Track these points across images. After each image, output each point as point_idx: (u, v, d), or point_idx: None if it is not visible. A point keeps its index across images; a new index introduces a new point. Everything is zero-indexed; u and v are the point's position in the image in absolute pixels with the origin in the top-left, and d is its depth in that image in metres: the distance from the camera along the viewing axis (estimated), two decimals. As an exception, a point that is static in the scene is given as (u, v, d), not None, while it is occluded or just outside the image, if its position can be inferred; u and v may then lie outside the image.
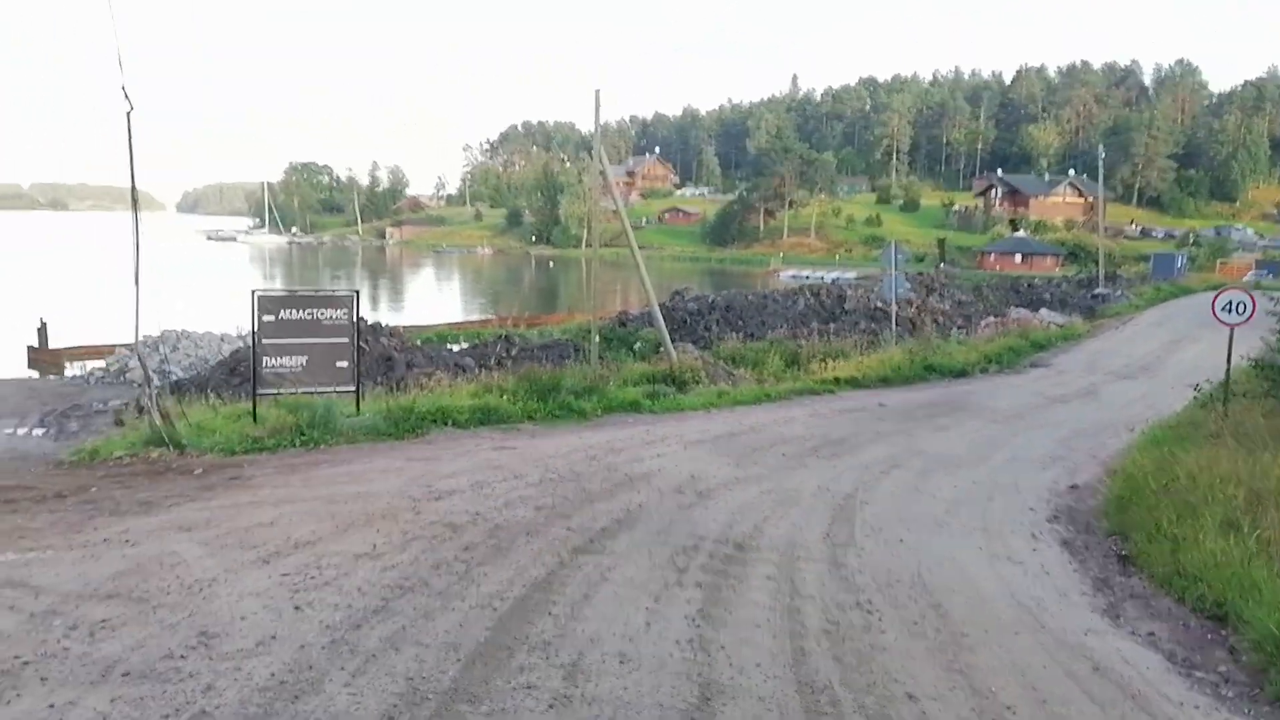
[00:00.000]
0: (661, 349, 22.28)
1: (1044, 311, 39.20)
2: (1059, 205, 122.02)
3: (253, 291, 14.22)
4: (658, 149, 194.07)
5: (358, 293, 15.67)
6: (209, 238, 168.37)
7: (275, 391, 14.05)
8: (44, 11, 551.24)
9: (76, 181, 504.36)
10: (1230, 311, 15.14)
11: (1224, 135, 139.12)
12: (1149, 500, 9.98)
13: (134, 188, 13.04)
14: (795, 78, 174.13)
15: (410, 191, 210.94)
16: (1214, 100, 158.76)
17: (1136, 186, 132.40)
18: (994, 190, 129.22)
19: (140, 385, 22.13)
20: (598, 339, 22.85)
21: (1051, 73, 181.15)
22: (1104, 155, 57.90)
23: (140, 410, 15.86)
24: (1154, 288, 53.33)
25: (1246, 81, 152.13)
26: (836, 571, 8.03)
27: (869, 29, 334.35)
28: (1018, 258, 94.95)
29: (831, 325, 32.13)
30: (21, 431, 18.35)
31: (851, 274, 79.02)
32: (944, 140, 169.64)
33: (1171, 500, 9.50)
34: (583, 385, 17.50)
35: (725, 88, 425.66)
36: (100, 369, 27.92)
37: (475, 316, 51.50)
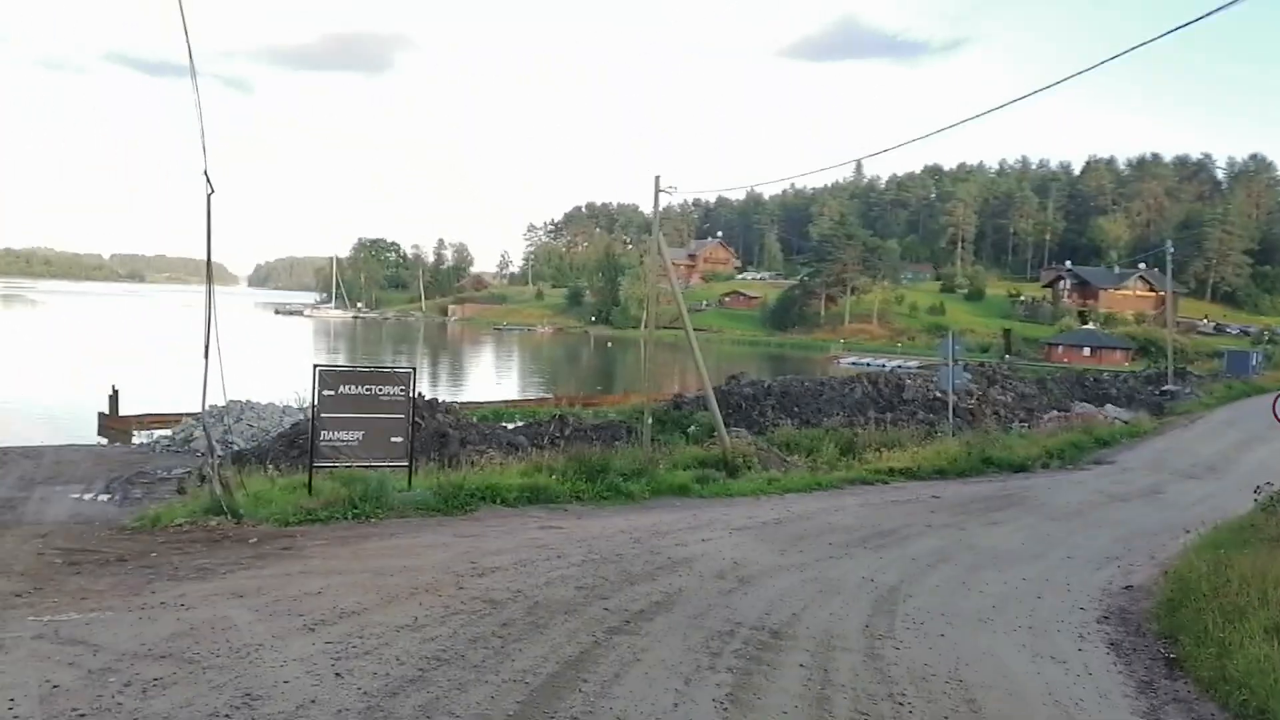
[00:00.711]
0: (715, 433, 22.39)
1: (1109, 407, 38.58)
2: (1129, 298, 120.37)
3: (314, 366, 14.73)
4: (720, 233, 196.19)
5: (415, 369, 16.11)
6: (276, 311, 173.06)
7: (331, 465, 14.44)
8: (122, 89, 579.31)
9: (154, 253, 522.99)
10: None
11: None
12: (1199, 603, 9.79)
13: (210, 267, 13.68)
14: (860, 164, 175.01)
15: (474, 269, 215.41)
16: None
17: (1210, 281, 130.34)
18: (1062, 281, 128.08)
19: (203, 455, 22.81)
20: (651, 421, 23.08)
21: (1121, 164, 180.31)
22: (1173, 250, 57.39)
23: (202, 479, 16.37)
24: (1225, 385, 51.95)
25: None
26: (872, 663, 8.02)
27: (934, 117, 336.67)
28: (1086, 350, 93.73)
29: (889, 414, 32.03)
30: (88, 497, 19.04)
31: (914, 362, 78.59)
32: (1010, 230, 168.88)
33: (1220, 604, 9.32)
34: (632, 467, 17.67)
35: (789, 173, 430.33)
36: (166, 437, 28.81)
37: (532, 395, 52.13)
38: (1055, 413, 35.45)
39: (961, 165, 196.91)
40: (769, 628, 8.73)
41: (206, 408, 15.13)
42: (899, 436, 25.85)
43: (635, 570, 10.52)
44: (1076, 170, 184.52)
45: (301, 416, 25.23)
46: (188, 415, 29.55)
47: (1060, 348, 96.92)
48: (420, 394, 20.86)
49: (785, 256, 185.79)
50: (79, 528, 14.17)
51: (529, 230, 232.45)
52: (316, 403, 14.51)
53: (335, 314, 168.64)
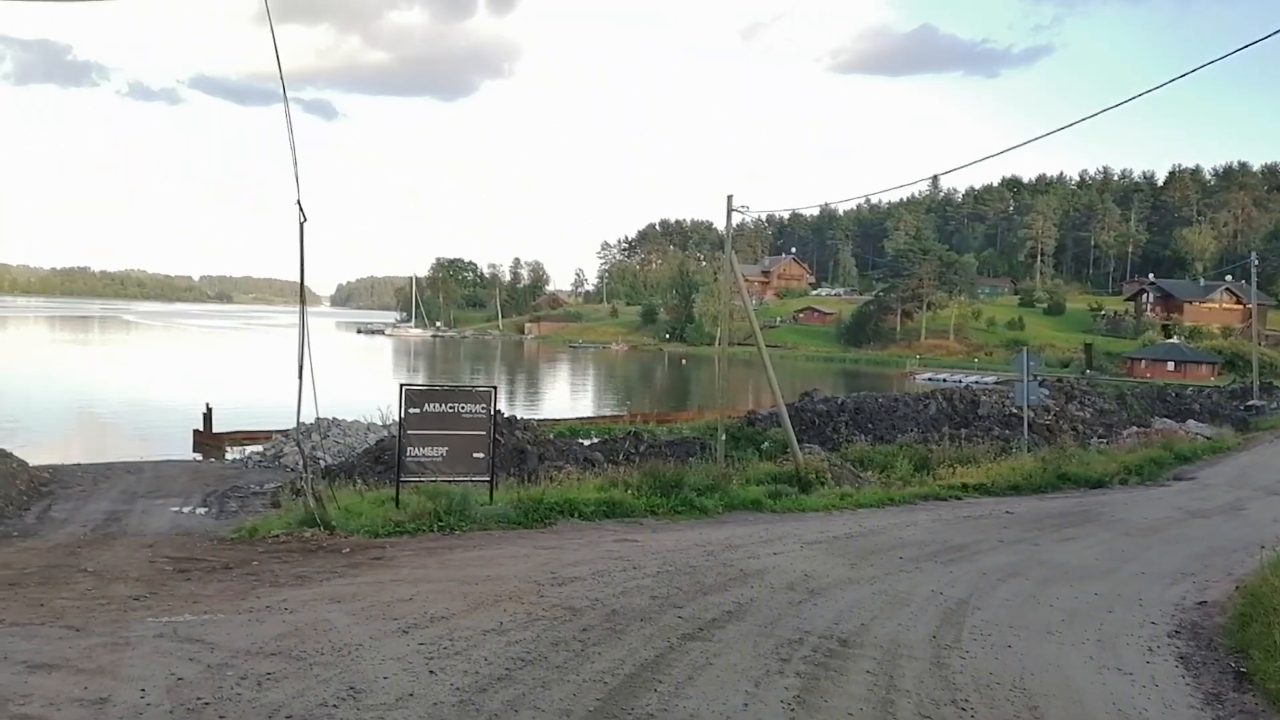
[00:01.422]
0: (788, 449, 22.66)
1: (1191, 423, 37.81)
2: (1216, 311, 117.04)
3: (400, 386, 15.44)
4: (794, 249, 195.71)
5: (495, 388, 16.72)
6: (358, 331, 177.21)
7: (417, 479, 15.11)
8: (209, 116, 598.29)
9: (241, 274, 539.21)
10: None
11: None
12: (1271, 617, 9.83)
13: (303, 292, 14.48)
14: (936, 178, 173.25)
15: (550, 287, 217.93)
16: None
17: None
18: (1145, 295, 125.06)
19: (294, 470, 23.75)
20: (724, 438, 23.42)
21: (1207, 174, 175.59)
22: (1256, 262, 56.04)
23: (296, 493, 17.19)
24: (1315, 400, 50.61)
25: None
26: (937, 671, 8.29)
27: (1013, 128, 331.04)
28: (1170, 365, 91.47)
29: (963, 431, 31.85)
30: (186, 510, 20.02)
31: (990, 378, 77.57)
32: (1091, 242, 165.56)
33: (1289, 618, 9.38)
34: (706, 483, 18.04)
35: (863, 190, 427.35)
36: (257, 453, 29.98)
37: (608, 412, 52.75)
38: (1135, 429, 34.89)
39: (1041, 177, 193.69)
40: (837, 636, 9.04)
41: (297, 425, 15.95)
42: (974, 453, 25.79)
43: (708, 581, 10.91)
44: (1160, 180, 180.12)
45: (386, 433, 26.12)
46: (277, 432, 30.75)
47: (1143, 362, 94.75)
48: (499, 411, 21.51)
49: (860, 272, 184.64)
50: (181, 538, 15.03)
51: (603, 248, 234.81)
52: (403, 419, 15.19)
53: (415, 333, 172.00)
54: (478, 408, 15.47)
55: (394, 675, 6.93)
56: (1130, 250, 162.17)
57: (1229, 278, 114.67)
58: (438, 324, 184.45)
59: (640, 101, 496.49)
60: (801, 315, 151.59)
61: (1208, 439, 33.02)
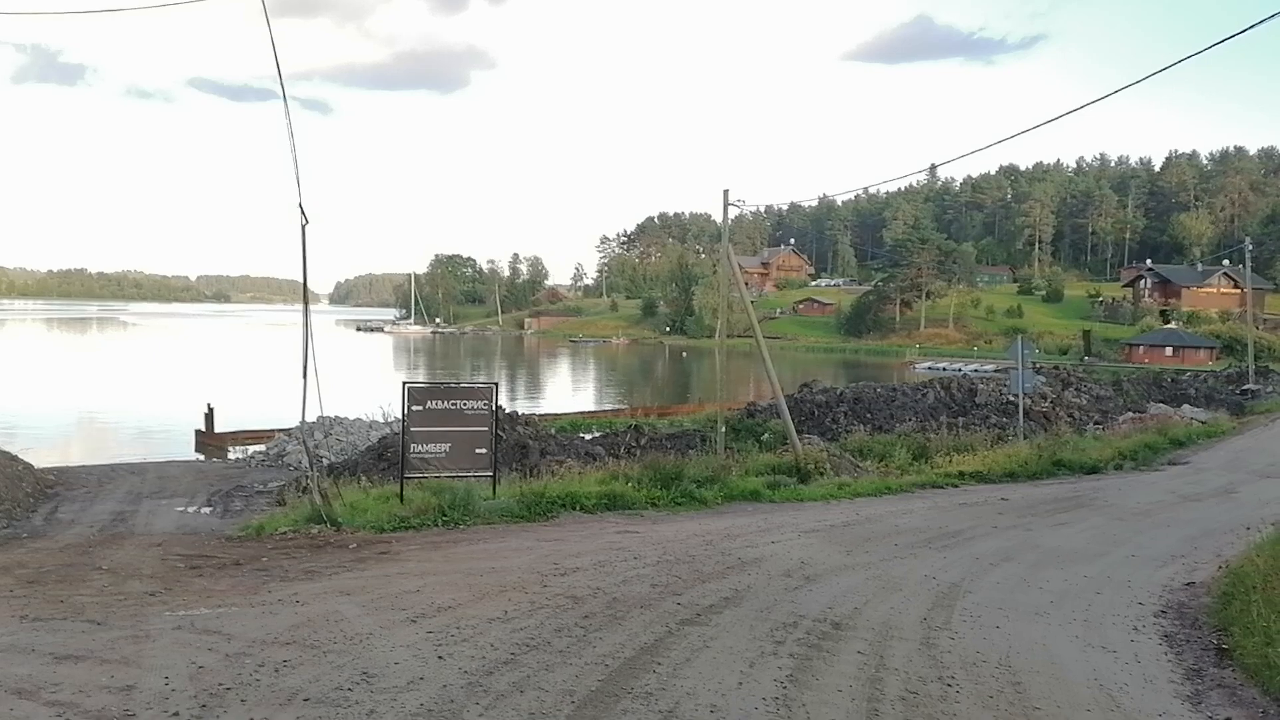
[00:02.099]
0: (787, 440, 22.97)
1: (1186, 408, 38.12)
2: (1213, 296, 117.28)
3: (404, 384, 15.75)
4: (792, 240, 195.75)
5: (497, 385, 17.03)
6: (358, 328, 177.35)
7: (420, 475, 15.43)
8: (205, 114, 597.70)
9: (239, 274, 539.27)
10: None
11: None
12: (1251, 595, 10.14)
13: (305, 293, 14.76)
14: (933, 167, 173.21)
15: (549, 282, 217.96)
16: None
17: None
18: (1143, 281, 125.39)
19: (297, 469, 24.09)
20: (724, 429, 23.73)
21: (1204, 158, 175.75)
22: (1256, 246, 56.28)
23: (302, 490, 17.51)
24: (1312, 383, 50.94)
25: None
26: (926, 651, 8.60)
27: (1010, 117, 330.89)
28: (1168, 350, 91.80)
29: (961, 419, 32.14)
30: (191, 509, 20.32)
31: (990, 366, 77.90)
32: (1089, 229, 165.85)
33: (1265, 595, 9.70)
34: (705, 474, 18.34)
35: (860, 181, 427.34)
36: (260, 452, 30.26)
37: (608, 406, 53.11)
38: (1131, 414, 35.18)
39: (1038, 165, 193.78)
40: (831, 620, 9.36)
41: (302, 424, 16.27)
42: (971, 441, 26.09)
43: (706, 570, 11.22)
44: (1157, 166, 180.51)
45: (388, 431, 26.41)
46: (280, 431, 31.06)
47: (1141, 348, 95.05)
48: (501, 407, 21.81)
49: (859, 262, 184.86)
50: (190, 537, 15.35)
51: (602, 242, 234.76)
52: (406, 417, 15.51)
53: (415, 330, 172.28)
54: (479, 404, 15.77)
55: (404, 661, 7.26)
56: (1128, 236, 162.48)
57: (1226, 262, 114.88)
58: (437, 320, 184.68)
59: (636, 93, 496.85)
60: (801, 306, 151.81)
61: (1203, 424, 33.33)
